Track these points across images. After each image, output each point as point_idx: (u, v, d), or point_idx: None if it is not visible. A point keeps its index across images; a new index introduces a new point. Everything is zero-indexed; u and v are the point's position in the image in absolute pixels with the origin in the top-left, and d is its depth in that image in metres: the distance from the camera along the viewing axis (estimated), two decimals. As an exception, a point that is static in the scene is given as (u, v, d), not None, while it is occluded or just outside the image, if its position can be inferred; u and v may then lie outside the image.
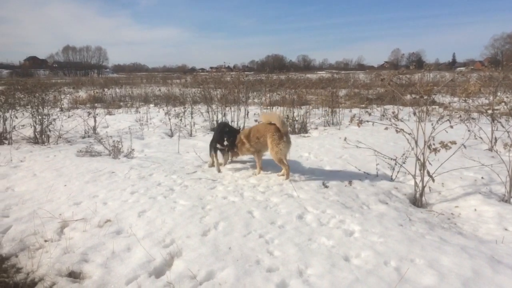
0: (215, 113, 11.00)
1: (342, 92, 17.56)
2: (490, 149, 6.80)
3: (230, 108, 11.30)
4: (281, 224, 4.06)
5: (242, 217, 4.22)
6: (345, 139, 5.85)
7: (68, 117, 12.38)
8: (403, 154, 5.54)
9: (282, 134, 5.54)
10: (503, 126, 5.40)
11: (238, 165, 6.45)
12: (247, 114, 11.65)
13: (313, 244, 3.61)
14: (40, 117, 8.90)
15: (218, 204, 4.64)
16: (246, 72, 15.44)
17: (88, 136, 9.62)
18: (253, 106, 14.79)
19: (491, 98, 8.64)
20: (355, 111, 12.85)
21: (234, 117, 10.75)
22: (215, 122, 10.67)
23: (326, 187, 5.25)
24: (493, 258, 3.26)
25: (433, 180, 4.66)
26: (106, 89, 19.73)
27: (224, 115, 11.01)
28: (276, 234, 3.80)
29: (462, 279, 2.96)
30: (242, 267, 3.21)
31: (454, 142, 4.51)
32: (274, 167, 6.07)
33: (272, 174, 5.81)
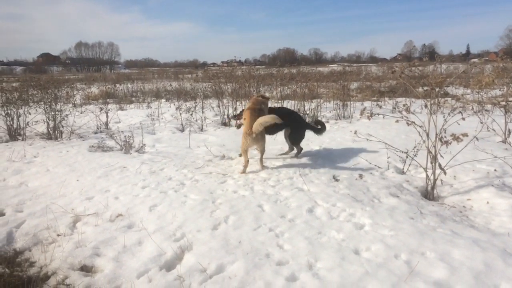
0: (226, 107, 11.01)
1: (354, 85, 17.42)
2: (504, 141, 6.70)
3: (241, 103, 11.31)
4: (291, 217, 4.06)
5: (252, 211, 4.23)
6: (355, 132, 5.81)
7: (81, 113, 12.49)
8: (415, 147, 5.49)
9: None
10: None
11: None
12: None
13: (323, 238, 3.60)
14: (53, 113, 9.00)
15: (228, 198, 4.66)
16: (257, 66, 15.40)
17: (100, 132, 9.71)
18: (264, 100, 14.74)
19: (505, 89, 8.50)
20: (367, 104, 12.75)
21: (245, 111, 10.73)
22: (226, 117, 10.67)
23: (337, 180, 5.24)
24: (505, 251, 3.22)
25: (445, 173, 4.62)
26: (118, 85, 19.84)
27: (235, 109, 11.02)
28: (286, 228, 3.81)
29: (474, 272, 2.93)
30: (252, 260, 3.22)
31: (466, 135, 4.45)
32: (284, 162, 6.07)
33: (283, 169, 5.80)
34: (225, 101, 11.34)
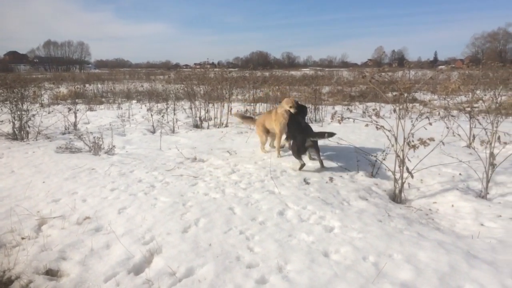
0: (198, 109, 10.94)
1: (326, 89, 17.65)
2: (468, 146, 6.91)
3: (213, 105, 11.27)
4: (262, 220, 4.07)
5: (223, 214, 4.22)
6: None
7: (48, 113, 12.16)
8: (383, 151, 5.62)
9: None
10: (480, 124, 5.49)
11: (220, 162, 6.43)
12: (230, 111, 11.63)
13: (293, 240, 3.63)
14: (19, 112, 8.73)
15: (199, 201, 4.63)
16: (230, 69, 15.40)
17: (69, 132, 9.47)
18: (237, 102, 14.76)
19: (470, 96, 8.78)
20: (338, 108, 12.92)
21: (217, 113, 10.71)
22: (198, 119, 10.61)
23: (308, 183, 5.28)
24: (469, 253, 3.32)
25: (412, 177, 4.73)
26: (87, 85, 19.42)
27: (207, 111, 10.97)
28: (257, 231, 3.81)
29: (439, 274, 3.01)
30: (222, 263, 3.21)
31: (432, 139, 4.58)
32: (255, 165, 6.10)
33: (254, 172, 5.81)
34: (197, 103, 11.26)
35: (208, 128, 10.25)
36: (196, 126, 10.55)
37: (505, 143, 5.03)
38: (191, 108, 11.01)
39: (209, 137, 8.70)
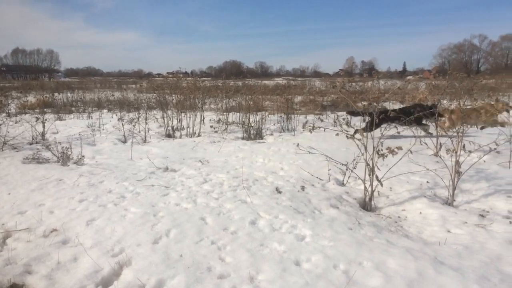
0: (170, 119, 10.86)
1: (298, 99, 17.82)
2: (435, 154, 7.09)
3: (186, 114, 11.21)
4: (233, 230, 4.06)
5: (195, 224, 4.18)
6: (297, 145, 5.94)
7: (15, 123, 11.86)
8: (354, 160, 5.70)
9: None
10: (445, 133, 5.66)
11: (192, 171, 6.39)
12: (203, 120, 11.59)
13: (265, 250, 3.63)
14: (-17, 122, 8.46)
15: (170, 211, 4.58)
16: (203, 78, 15.40)
17: (36, 143, 9.22)
18: (210, 112, 14.74)
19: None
20: (310, 117, 13.05)
21: (190, 122, 10.66)
22: (170, 128, 10.52)
23: (280, 192, 5.31)
24: (436, 259, 3.40)
25: (382, 185, 4.82)
26: (56, 94, 19.01)
27: (180, 121, 10.90)
28: (228, 241, 3.80)
29: (407, 280, 3.06)
30: (193, 274, 3.18)
31: (400, 148, 4.69)
32: (228, 174, 6.10)
33: (226, 181, 5.80)
34: (169, 112, 11.18)
35: (180, 137, 10.18)
36: (169, 135, 10.46)
37: (470, 151, 5.19)
38: (163, 118, 10.92)
39: (181, 147, 8.64)
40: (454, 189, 4.87)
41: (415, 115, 6.46)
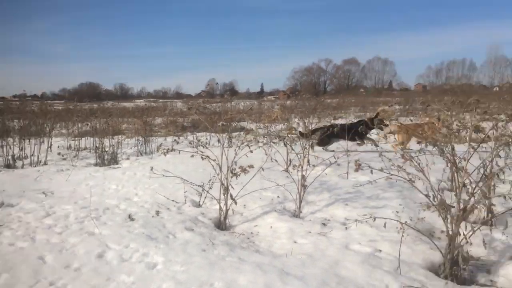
0: (11, 147, 9.63)
1: (158, 121, 17.54)
2: (286, 170, 7.52)
3: (30, 141, 10.11)
4: (77, 266, 3.70)
5: (31, 265, 3.71)
6: (151, 168, 5.77)
7: None
8: (210, 180, 5.71)
9: None
10: (293, 149, 6.05)
11: (32, 205, 5.72)
12: (51, 147, 10.60)
13: (112, 284, 3.38)
14: None
15: (2, 253, 4.00)
16: (55, 101, 14.28)
17: None
18: (60, 137, 13.61)
19: (286, 124, 9.65)
20: (170, 139, 12.89)
21: (35, 150, 9.65)
22: (10, 158, 9.34)
23: (132, 219, 5.05)
24: (283, 271, 3.54)
25: (236, 203, 4.91)
26: None
27: (22, 149, 9.78)
28: (70, 279, 3.45)
29: (256, 296, 3.12)
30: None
31: (252, 166, 4.87)
32: (75, 205, 5.64)
33: (72, 213, 5.32)
34: (10, 139, 9.94)
35: (23, 167, 9.13)
36: (8, 166, 9.25)
37: (314, 165, 5.61)
38: (2, 146, 9.64)
39: (22, 178, 7.74)
40: (300, 201, 5.20)
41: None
